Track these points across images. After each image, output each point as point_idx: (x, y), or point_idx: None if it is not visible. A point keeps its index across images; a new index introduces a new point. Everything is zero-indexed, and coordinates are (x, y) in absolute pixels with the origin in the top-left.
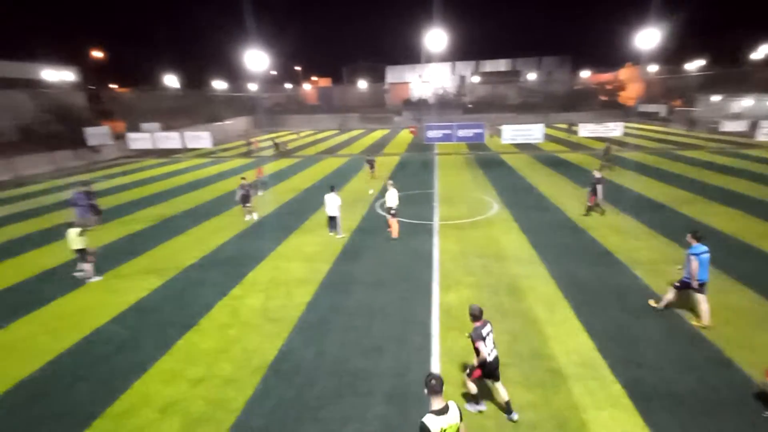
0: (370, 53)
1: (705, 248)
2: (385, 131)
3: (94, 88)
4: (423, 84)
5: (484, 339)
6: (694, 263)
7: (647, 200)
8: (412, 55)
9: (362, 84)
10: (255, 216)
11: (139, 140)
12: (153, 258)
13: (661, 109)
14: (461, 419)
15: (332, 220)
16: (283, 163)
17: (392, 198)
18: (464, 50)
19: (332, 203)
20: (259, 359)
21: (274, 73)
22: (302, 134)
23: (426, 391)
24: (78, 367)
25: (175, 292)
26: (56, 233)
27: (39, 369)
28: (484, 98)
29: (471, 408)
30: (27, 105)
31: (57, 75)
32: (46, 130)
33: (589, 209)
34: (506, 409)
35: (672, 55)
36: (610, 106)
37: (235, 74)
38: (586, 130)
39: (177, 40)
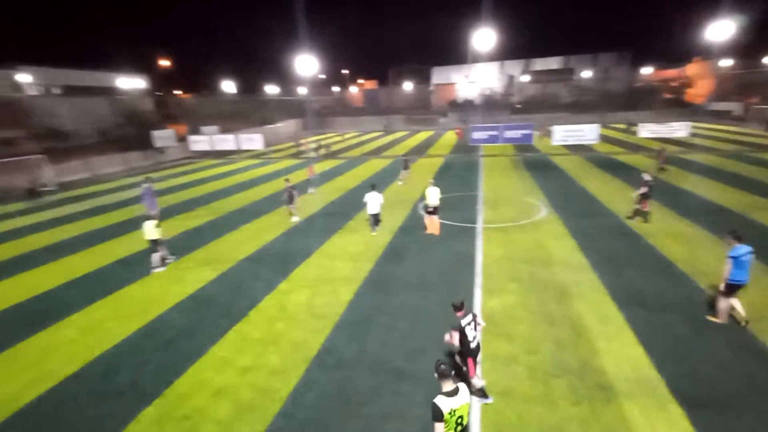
0: (416, 55)
1: (747, 248)
2: (430, 133)
3: (161, 94)
4: (469, 84)
5: (463, 329)
6: (728, 266)
7: (715, 206)
8: (458, 56)
9: (408, 86)
10: (296, 218)
11: (199, 142)
12: (209, 252)
13: (734, 107)
14: (469, 401)
15: (375, 218)
16: (330, 164)
17: (433, 196)
18: (513, 49)
19: (374, 201)
20: (303, 352)
21: (323, 77)
22: (346, 136)
23: (436, 375)
24: (143, 350)
25: (228, 285)
26: (127, 226)
27: (112, 348)
28: (533, 98)
29: (479, 401)
30: (104, 110)
31: (130, 82)
32: (120, 132)
33: (637, 213)
34: (482, 394)
35: (748, 48)
36: (674, 105)
37: (286, 79)
38: (647, 130)
39: (235, 48)
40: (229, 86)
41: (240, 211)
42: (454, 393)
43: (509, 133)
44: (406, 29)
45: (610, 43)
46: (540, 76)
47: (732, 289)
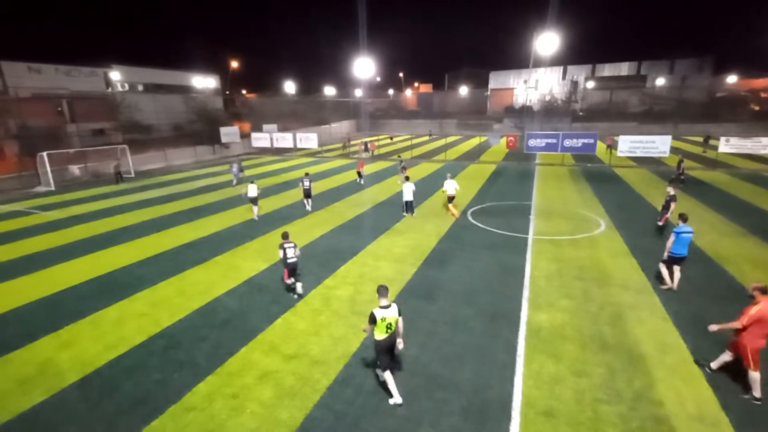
0: (474, 59)
1: (689, 229)
2: (483, 138)
3: (228, 93)
4: (528, 90)
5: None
6: (671, 240)
7: None
8: (518, 60)
9: (463, 90)
10: (309, 207)
11: (260, 139)
12: (263, 243)
13: None
14: (399, 315)
15: (409, 204)
16: (380, 165)
17: (450, 187)
18: (579, 53)
19: (408, 190)
20: (343, 347)
21: (379, 79)
22: (396, 138)
23: (378, 294)
24: (202, 328)
25: (278, 276)
26: (194, 214)
27: (175, 323)
28: (598, 105)
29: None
30: (180, 107)
31: (203, 82)
32: (192, 128)
33: (659, 229)
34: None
35: None
36: (765, 118)
37: (344, 81)
38: (729, 145)
39: (298, 51)
40: (290, 87)
41: (293, 206)
42: (387, 307)
43: (569, 142)
44: (465, 33)
45: (689, 47)
46: (607, 82)
47: (672, 260)
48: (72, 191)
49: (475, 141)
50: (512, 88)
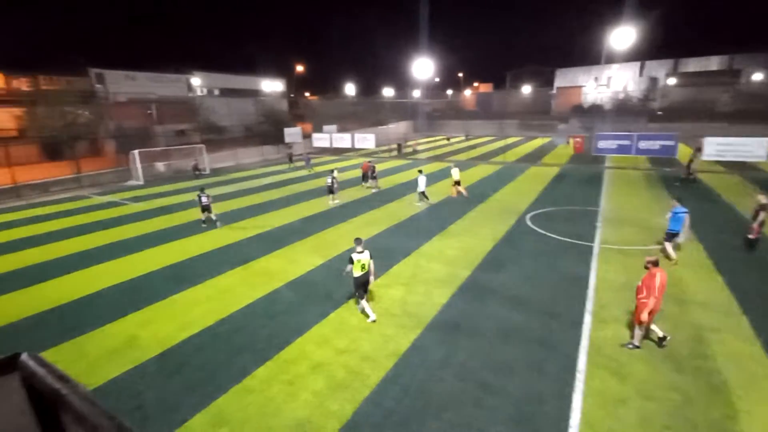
0: (538, 57)
1: (684, 209)
2: (546, 139)
3: (293, 96)
4: (599, 88)
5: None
6: (668, 218)
7: None
8: (588, 57)
9: (526, 89)
10: (335, 202)
11: (320, 139)
12: (319, 240)
13: None
14: (371, 258)
15: (422, 195)
16: (436, 166)
17: (455, 174)
18: (660, 47)
19: (421, 182)
20: (393, 346)
21: (437, 80)
22: (453, 140)
23: (355, 243)
24: (262, 316)
25: (333, 272)
26: (260, 209)
27: (239, 309)
28: (680, 104)
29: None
30: (250, 109)
31: (271, 86)
32: (260, 128)
33: (750, 243)
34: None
35: None
36: None
37: (402, 82)
38: None
39: (359, 54)
40: (350, 89)
41: (349, 204)
42: (361, 252)
43: (645, 144)
44: (530, 29)
45: None
46: (692, 78)
47: (669, 236)
48: (157, 185)
49: (537, 142)
50: (581, 86)
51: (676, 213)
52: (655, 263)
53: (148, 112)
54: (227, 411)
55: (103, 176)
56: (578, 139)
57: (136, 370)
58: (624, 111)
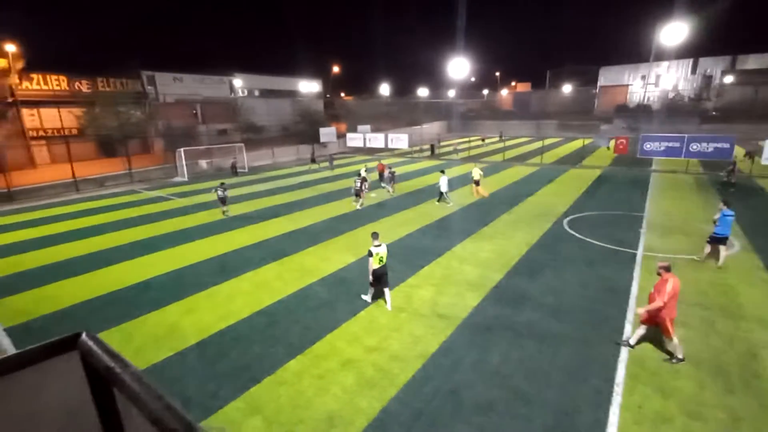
0: (580, 55)
1: (731, 212)
2: (587, 140)
3: (329, 96)
4: (647, 86)
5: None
6: (716, 221)
7: None
8: (635, 54)
9: (566, 88)
10: (360, 205)
11: (354, 139)
12: (351, 238)
13: None
14: (387, 251)
15: (442, 195)
16: (469, 167)
17: (476, 174)
18: (716, 42)
19: (444, 182)
20: (422, 347)
21: (473, 79)
22: (487, 140)
23: (372, 238)
24: (295, 311)
25: (364, 270)
26: (294, 207)
27: (274, 303)
28: (738, 104)
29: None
30: (287, 109)
31: (308, 86)
32: (296, 128)
33: None
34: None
35: None
36: None
37: (437, 82)
38: None
39: (394, 54)
40: (385, 89)
41: (381, 204)
42: (379, 246)
43: (696, 146)
44: (572, 26)
45: None
46: (753, 76)
47: (714, 240)
48: (200, 182)
49: (577, 143)
50: (626, 85)
51: (725, 216)
52: (668, 269)
53: (193, 112)
54: (261, 400)
55: (152, 173)
56: (622, 141)
57: (177, 357)
58: (674, 111)
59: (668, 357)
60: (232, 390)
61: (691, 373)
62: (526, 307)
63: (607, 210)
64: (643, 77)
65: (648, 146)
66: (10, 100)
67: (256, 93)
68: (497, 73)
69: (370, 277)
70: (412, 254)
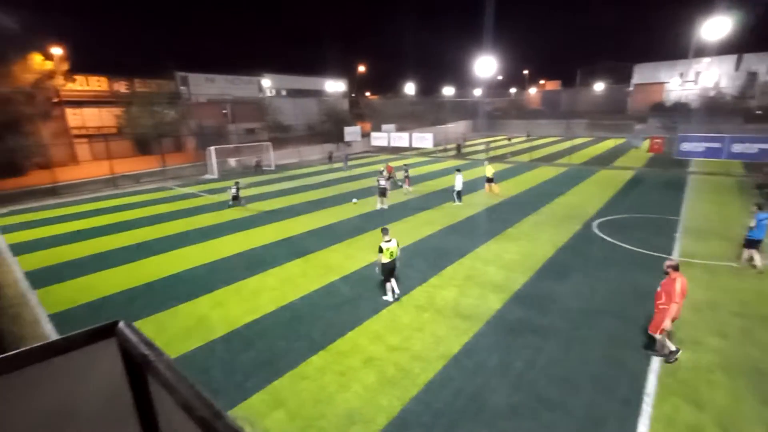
0: (615, 51)
1: (766, 215)
2: (620, 141)
3: (354, 95)
4: (685, 84)
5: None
6: (752, 225)
7: None
8: (673, 50)
9: (598, 86)
10: (383, 206)
11: (378, 138)
12: (375, 237)
13: None
14: (398, 245)
15: (458, 194)
16: (495, 167)
17: (489, 171)
18: (761, 37)
19: (459, 181)
20: (444, 347)
21: (500, 78)
22: (514, 140)
23: (382, 233)
24: (319, 307)
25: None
26: (319, 205)
27: (298, 299)
28: None
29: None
30: (313, 108)
31: (334, 86)
32: (321, 128)
33: None
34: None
35: None
36: None
37: (463, 81)
38: None
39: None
40: (410, 88)
41: (405, 203)
42: (389, 241)
43: (739, 147)
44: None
45: None
46: None
47: (750, 243)
48: (229, 179)
49: (608, 143)
50: (663, 83)
51: (761, 220)
52: (676, 267)
53: (224, 111)
54: (284, 394)
55: (184, 170)
56: (657, 140)
57: (205, 348)
58: (714, 110)
59: (667, 356)
60: (257, 382)
61: (726, 385)
62: (552, 310)
63: (639, 213)
64: (682, 74)
65: (686, 147)
66: (55, 100)
67: (284, 93)
68: (525, 71)
69: (377, 270)
70: (436, 254)
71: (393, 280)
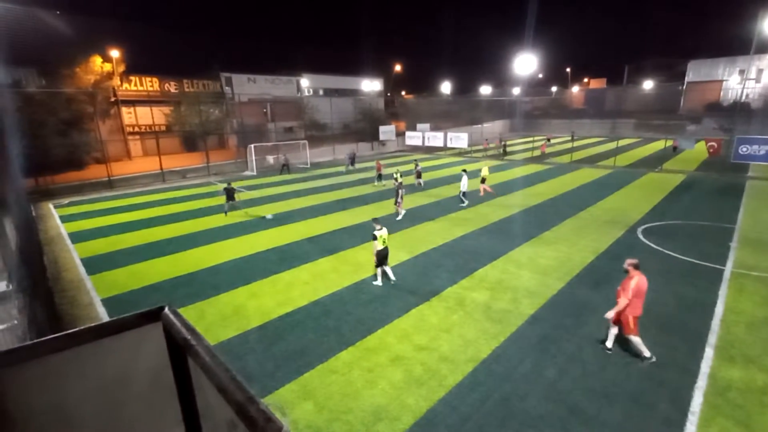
0: (666, 47)
1: None
2: (669, 142)
3: (389, 95)
4: (746, 82)
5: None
6: None
7: None
8: (731, 46)
9: (647, 84)
10: (401, 214)
11: (413, 138)
12: (406, 236)
13: None
14: (387, 233)
15: (464, 195)
16: (532, 168)
17: (485, 171)
18: None
19: (464, 182)
20: (473, 351)
21: (541, 76)
22: (554, 140)
23: (374, 222)
24: (349, 303)
25: (417, 269)
26: (349, 203)
27: (329, 294)
28: None
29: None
30: (349, 108)
31: (370, 85)
32: (356, 126)
33: None
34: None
35: None
36: None
37: (501, 79)
38: None
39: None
40: (446, 87)
41: (437, 204)
42: (381, 229)
43: None
44: (656, 16)
45: None
46: None
47: None
48: (267, 176)
49: (657, 145)
50: (720, 81)
51: None
52: (636, 266)
53: (264, 110)
54: (312, 386)
55: (226, 166)
56: (713, 143)
57: (241, 336)
58: None
59: (646, 359)
60: (288, 372)
61: None
62: (589, 319)
63: (690, 220)
64: (742, 72)
65: (744, 149)
66: (112, 99)
67: (321, 92)
68: (568, 69)
69: (374, 258)
70: (467, 256)
71: (387, 267)
